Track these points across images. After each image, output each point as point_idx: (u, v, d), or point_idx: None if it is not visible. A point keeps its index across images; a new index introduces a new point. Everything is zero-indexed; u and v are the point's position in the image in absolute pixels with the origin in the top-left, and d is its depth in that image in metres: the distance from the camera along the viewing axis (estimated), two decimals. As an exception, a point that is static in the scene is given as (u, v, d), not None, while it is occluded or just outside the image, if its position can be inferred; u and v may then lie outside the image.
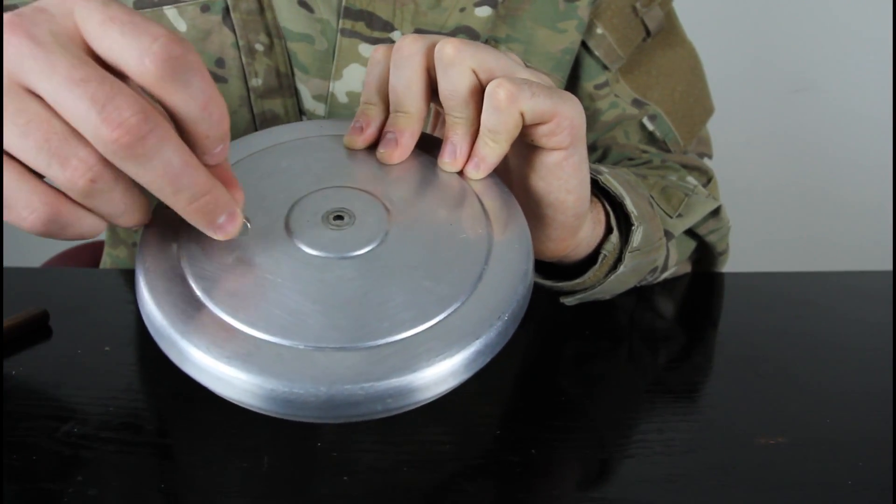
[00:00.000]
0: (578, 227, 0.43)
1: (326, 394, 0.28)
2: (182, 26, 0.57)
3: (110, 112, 0.26)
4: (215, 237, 0.31)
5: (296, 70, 0.58)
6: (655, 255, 0.53)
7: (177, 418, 0.43)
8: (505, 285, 0.32)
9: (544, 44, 0.61)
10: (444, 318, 0.31)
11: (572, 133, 0.37)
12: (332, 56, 0.57)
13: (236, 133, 0.60)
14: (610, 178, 0.49)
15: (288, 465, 0.38)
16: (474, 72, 0.36)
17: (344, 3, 0.56)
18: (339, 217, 0.34)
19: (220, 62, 0.58)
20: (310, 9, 0.57)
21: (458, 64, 0.35)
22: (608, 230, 0.49)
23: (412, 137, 0.37)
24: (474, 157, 0.37)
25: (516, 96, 0.34)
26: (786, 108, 1.39)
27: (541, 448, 0.40)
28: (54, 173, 0.27)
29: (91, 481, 0.37)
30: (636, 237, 0.49)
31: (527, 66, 0.38)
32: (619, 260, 0.50)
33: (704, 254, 0.64)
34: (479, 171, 0.37)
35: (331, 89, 0.58)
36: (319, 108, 0.59)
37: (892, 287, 0.61)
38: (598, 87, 0.65)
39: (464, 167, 0.37)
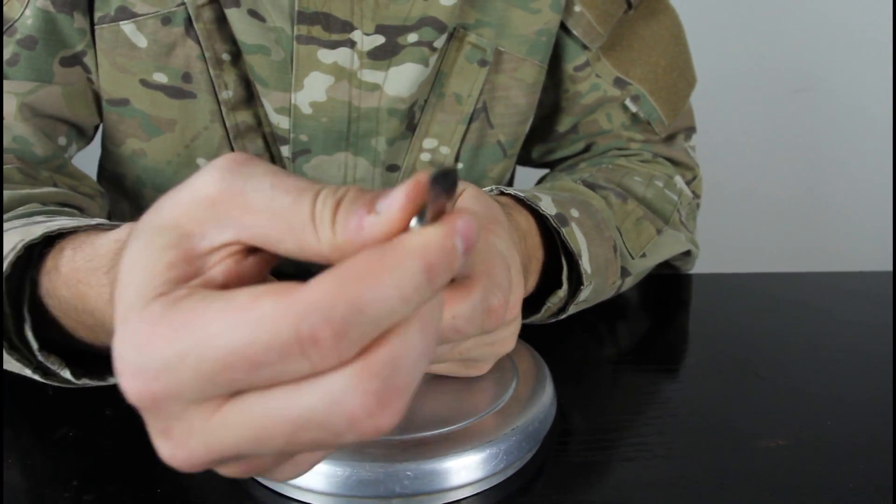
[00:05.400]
0: None
1: (352, 470, 0.34)
2: (142, 42, 0.53)
3: None
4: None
5: (256, 85, 0.55)
6: (605, 296, 0.52)
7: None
8: (522, 408, 0.39)
9: (517, 26, 0.58)
10: (463, 426, 0.37)
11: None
12: (290, 66, 0.54)
13: (209, 149, 0.57)
14: (574, 230, 0.47)
15: None
16: None
17: (297, 7, 0.52)
18: None
19: (186, 77, 0.54)
20: (261, 18, 0.53)
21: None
22: (557, 284, 0.48)
23: None
24: None
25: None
26: (786, 108, 1.39)
27: (541, 452, 0.40)
28: None
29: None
30: (584, 293, 0.48)
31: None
32: (562, 309, 0.49)
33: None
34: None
35: (293, 101, 0.55)
36: (283, 122, 0.56)
37: (892, 288, 0.61)
38: (577, 68, 0.62)
39: None
